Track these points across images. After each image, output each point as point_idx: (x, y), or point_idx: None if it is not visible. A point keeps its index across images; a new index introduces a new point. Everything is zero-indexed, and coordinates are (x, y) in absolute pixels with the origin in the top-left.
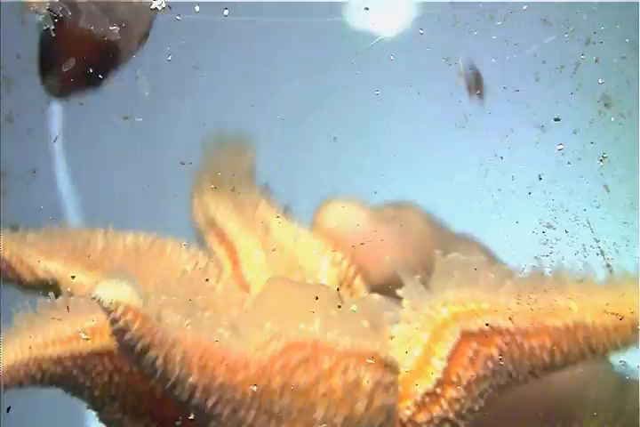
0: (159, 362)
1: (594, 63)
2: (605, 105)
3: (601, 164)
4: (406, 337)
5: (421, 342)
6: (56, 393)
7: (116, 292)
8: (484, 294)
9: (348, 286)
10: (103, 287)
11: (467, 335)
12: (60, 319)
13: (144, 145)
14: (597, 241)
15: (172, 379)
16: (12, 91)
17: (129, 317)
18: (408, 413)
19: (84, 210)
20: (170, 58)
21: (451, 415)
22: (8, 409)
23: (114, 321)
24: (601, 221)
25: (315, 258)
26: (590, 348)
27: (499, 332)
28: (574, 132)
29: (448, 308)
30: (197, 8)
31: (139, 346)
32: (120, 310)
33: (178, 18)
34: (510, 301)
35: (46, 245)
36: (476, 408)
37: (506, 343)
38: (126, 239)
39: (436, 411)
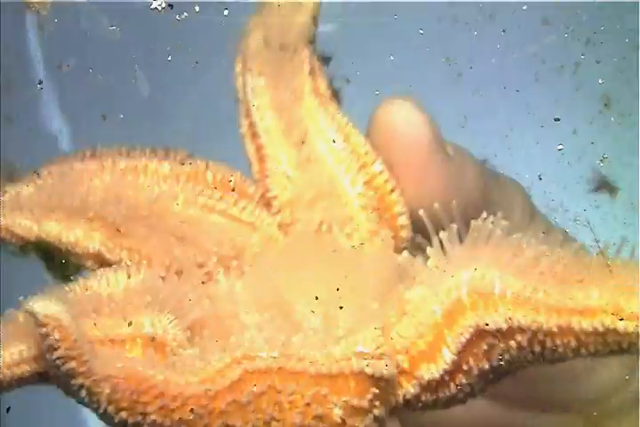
0: (83, 392)
1: (594, 63)
2: (605, 105)
3: (601, 164)
4: (420, 307)
5: (434, 320)
6: (56, 393)
7: (50, 308)
8: (512, 278)
9: (378, 208)
10: (37, 301)
11: (482, 331)
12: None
13: None
14: (597, 241)
15: (101, 411)
16: (11, 90)
17: (57, 335)
18: (412, 391)
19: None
20: (170, 58)
21: (460, 396)
22: (8, 409)
23: (44, 336)
24: (601, 221)
25: (349, 178)
26: (611, 349)
27: (519, 330)
28: (574, 132)
29: (469, 291)
30: (197, 8)
31: (65, 368)
32: (50, 327)
33: (178, 18)
34: (539, 288)
35: (42, 201)
36: (488, 386)
37: (527, 340)
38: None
39: (443, 393)
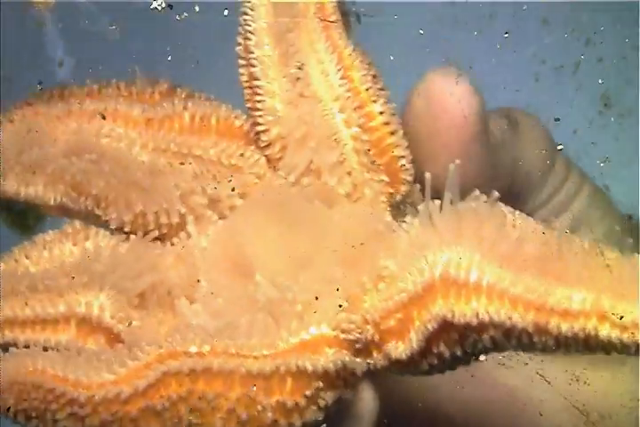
0: None
1: (594, 63)
2: (605, 105)
3: (601, 164)
4: (393, 281)
5: (405, 299)
6: None
7: None
8: (491, 264)
9: (373, 153)
10: None
11: (451, 323)
12: None
13: None
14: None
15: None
16: (11, 90)
17: None
18: (381, 363)
19: None
20: (170, 58)
21: (435, 370)
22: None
23: None
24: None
25: (344, 117)
26: (591, 349)
27: (492, 325)
28: (574, 132)
29: (442, 275)
30: (197, 8)
31: None
32: None
33: (178, 18)
34: (518, 281)
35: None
36: (470, 359)
37: (501, 334)
38: None
39: (415, 368)
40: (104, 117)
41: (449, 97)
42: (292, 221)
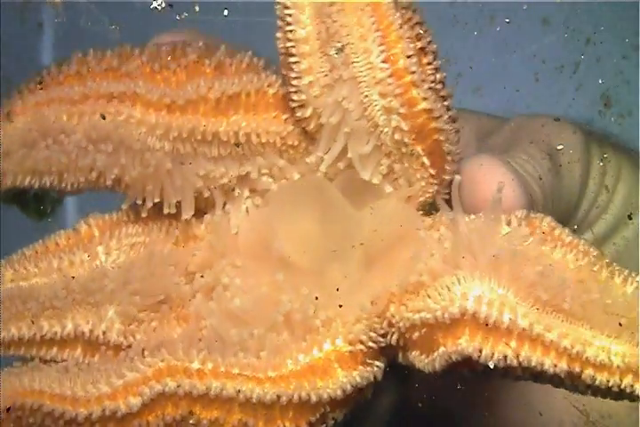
0: None
1: (594, 63)
2: (605, 105)
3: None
4: (423, 288)
5: (432, 321)
6: None
7: None
8: (527, 306)
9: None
10: None
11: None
12: None
13: None
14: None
15: None
16: (11, 90)
17: None
18: (402, 362)
19: None
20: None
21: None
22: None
23: None
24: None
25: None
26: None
27: (521, 368)
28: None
29: (473, 312)
30: (197, 8)
31: None
32: None
33: (178, 18)
34: (553, 325)
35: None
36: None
37: (530, 373)
38: None
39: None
40: (104, 118)
41: (494, 195)
42: (324, 214)
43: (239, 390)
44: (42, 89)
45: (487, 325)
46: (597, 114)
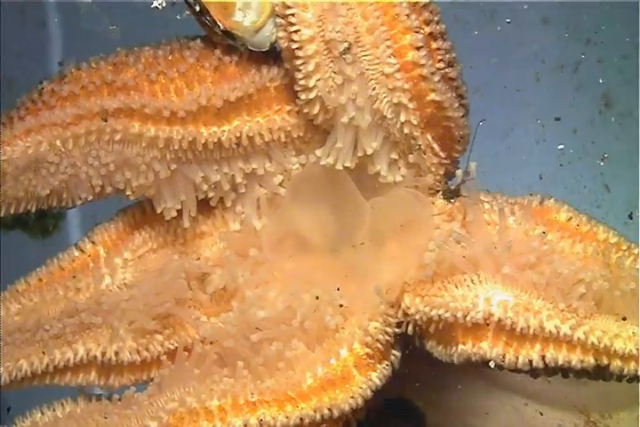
0: None
1: (594, 63)
2: (605, 105)
3: (601, 163)
4: (440, 280)
5: (452, 319)
6: (56, 393)
7: None
8: (551, 308)
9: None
10: None
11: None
12: None
13: None
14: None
15: None
16: (12, 90)
17: None
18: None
19: None
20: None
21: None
22: (8, 409)
23: None
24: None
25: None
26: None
27: (545, 368)
28: (574, 132)
29: (497, 319)
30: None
31: None
32: None
33: (178, 17)
34: (580, 323)
35: None
36: None
37: (554, 369)
38: None
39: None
40: (105, 120)
41: None
42: (337, 202)
43: (261, 420)
44: (29, 115)
45: (512, 333)
46: (597, 114)
